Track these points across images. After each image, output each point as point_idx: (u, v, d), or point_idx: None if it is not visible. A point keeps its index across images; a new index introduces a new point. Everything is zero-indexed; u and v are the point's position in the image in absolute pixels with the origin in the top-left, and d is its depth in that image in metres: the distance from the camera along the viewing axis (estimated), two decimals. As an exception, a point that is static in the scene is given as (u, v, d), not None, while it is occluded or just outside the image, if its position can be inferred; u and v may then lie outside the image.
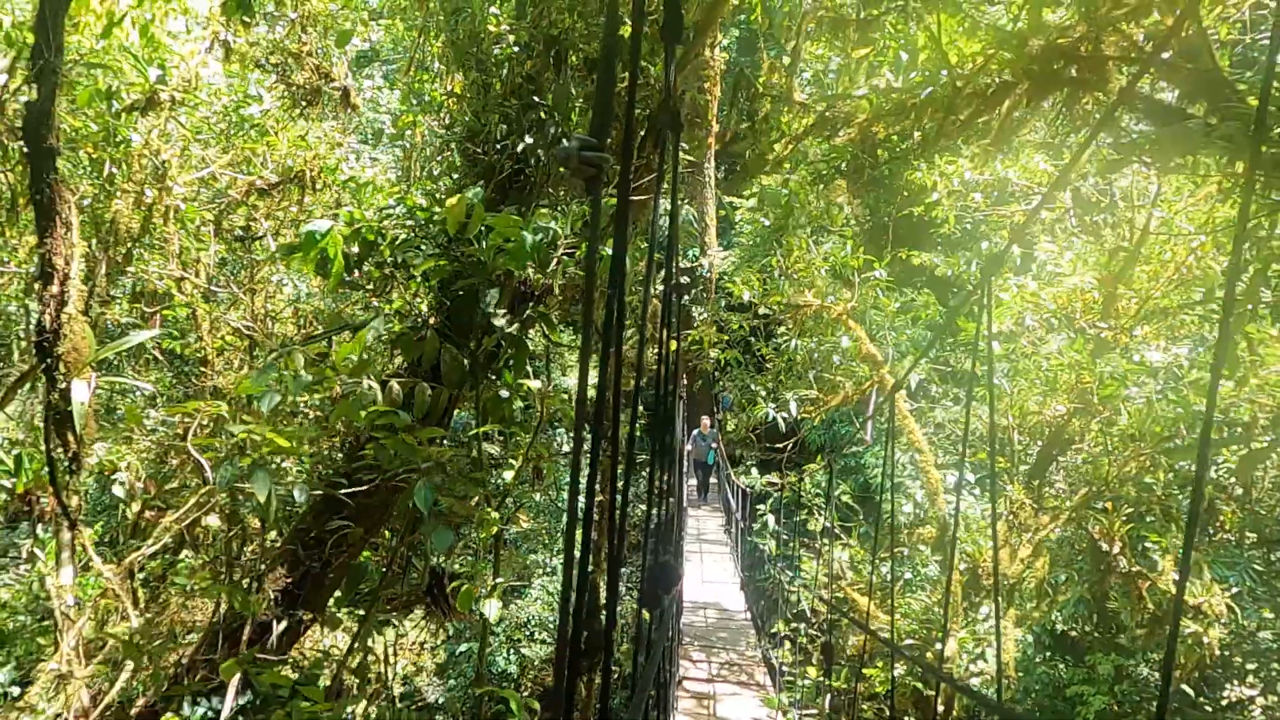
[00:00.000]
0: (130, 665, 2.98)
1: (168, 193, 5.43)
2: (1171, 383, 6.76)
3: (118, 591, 3.64)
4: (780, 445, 13.93)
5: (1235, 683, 8.22)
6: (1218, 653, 6.95)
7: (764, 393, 11.09)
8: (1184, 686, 7.68)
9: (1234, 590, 7.62)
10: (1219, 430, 6.51)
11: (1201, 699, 7.99)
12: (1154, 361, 6.80)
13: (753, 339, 11.59)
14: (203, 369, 6.69)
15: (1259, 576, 8.06)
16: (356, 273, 4.32)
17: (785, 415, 10.98)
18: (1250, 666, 7.92)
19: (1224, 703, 8.11)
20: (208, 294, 6.47)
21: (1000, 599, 7.26)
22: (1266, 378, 5.87)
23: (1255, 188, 2.61)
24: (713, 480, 17.88)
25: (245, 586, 4.20)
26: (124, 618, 3.90)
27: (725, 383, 14.89)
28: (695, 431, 16.62)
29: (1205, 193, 6.54)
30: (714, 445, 16.43)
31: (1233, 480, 7.63)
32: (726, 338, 12.38)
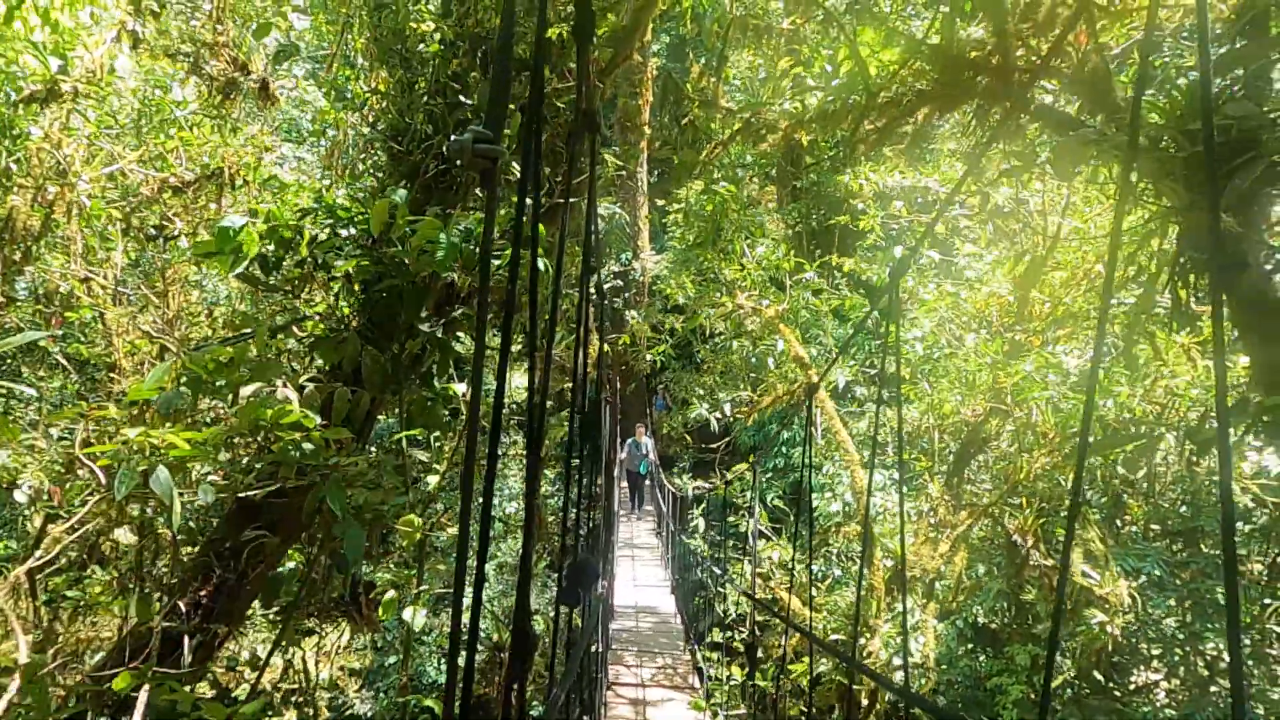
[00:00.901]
0: (13, 687, 2.81)
1: (71, 189, 5.16)
2: (1084, 384, 7.08)
3: (2, 609, 3.44)
4: (714, 446, 14.11)
5: (1142, 668, 8.64)
6: (1122, 640, 7.29)
7: (701, 393, 11.20)
8: (1095, 673, 8.03)
9: (1142, 579, 8.02)
10: (1125, 429, 6.83)
11: (1111, 684, 8.36)
12: (1069, 367, 7.09)
13: (691, 340, 11.68)
14: (111, 374, 6.38)
15: (1166, 567, 8.50)
16: (275, 274, 4.19)
17: (719, 416, 11.11)
18: (1155, 652, 8.33)
19: (1131, 687, 8.51)
20: (117, 296, 6.18)
21: (920, 593, 7.48)
22: (1173, 385, 6.18)
23: (1140, 194, 2.76)
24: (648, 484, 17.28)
25: (153, 600, 4.03)
26: (10, 635, 3.67)
27: (662, 384, 14.97)
28: (630, 440, 15.75)
29: (1112, 202, 6.87)
30: (647, 455, 15.63)
31: (1139, 475, 8.03)
32: (662, 336, 12.46)
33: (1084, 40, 3.22)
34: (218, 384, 3.06)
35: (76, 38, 5.40)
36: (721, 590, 10.65)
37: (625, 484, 16.66)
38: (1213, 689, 8.13)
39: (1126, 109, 2.96)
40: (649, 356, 13.17)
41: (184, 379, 3.09)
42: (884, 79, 4.24)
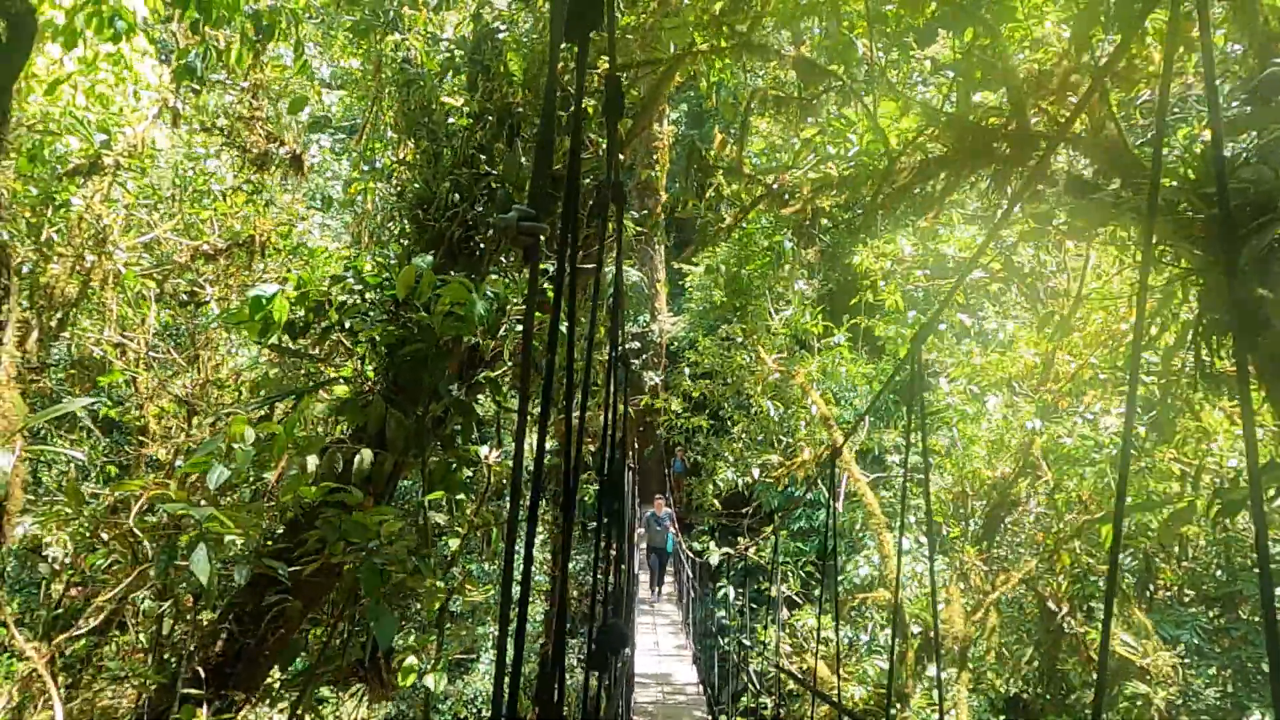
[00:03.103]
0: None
1: (108, 257, 5.34)
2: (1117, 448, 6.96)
3: (42, 674, 3.43)
4: (741, 511, 13.86)
5: (1184, 742, 8.27)
6: (1167, 714, 7.02)
7: (730, 459, 11.11)
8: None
9: (1180, 648, 7.75)
10: (1160, 494, 6.70)
11: (1153, 760, 8.00)
12: (1107, 425, 6.99)
13: (722, 405, 11.59)
14: (141, 438, 6.47)
15: (1205, 634, 8.22)
16: (303, 339, 4.28)
17: (749, 480, 10.99)
18: (1197, 725, 8.00)
19: (1175, 762, 8.14)
20: (148, 361, 6.31)
21: (953, 662, 7.26)
22: (1207, 447, 6.07)
23: (1158, 255, 2.78)
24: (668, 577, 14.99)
25: (174, 667, 4.00)
26: (46, 705, 3.65)
27: (690, 449, 14.73)
28: (649, 513, 13.91)
29: (1131, 264, 6.87)
30: (671, 528, 13.68)
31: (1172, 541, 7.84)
32: (684, 405, 12.41)
33: (1098, 106, 3.30)
34: (255, 456, 3.10)
35: (120, 114, 5.65)
36: (747, 658, 10.39)
37: (646, 560, 14.60)
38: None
39: (1142, 172, 3.01)
40: (680, 425, 13.00)
41: (230, 453, 3.13)
42: (903, 147, 4.33)
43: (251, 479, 4.52)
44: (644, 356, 17.07)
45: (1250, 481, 1.20)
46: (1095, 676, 6.99)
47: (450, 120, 5.07)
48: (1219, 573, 8.18)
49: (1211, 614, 8.24)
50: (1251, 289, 2.52)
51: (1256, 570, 7.54)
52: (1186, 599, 8.31)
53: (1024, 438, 7.09)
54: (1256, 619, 8.03)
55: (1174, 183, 2.79)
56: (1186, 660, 7.73)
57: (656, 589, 14.70)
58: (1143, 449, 6.12)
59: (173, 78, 5.31)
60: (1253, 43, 3.08)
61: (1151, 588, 8.12)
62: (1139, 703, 7.09)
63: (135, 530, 3.19)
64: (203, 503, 3.14)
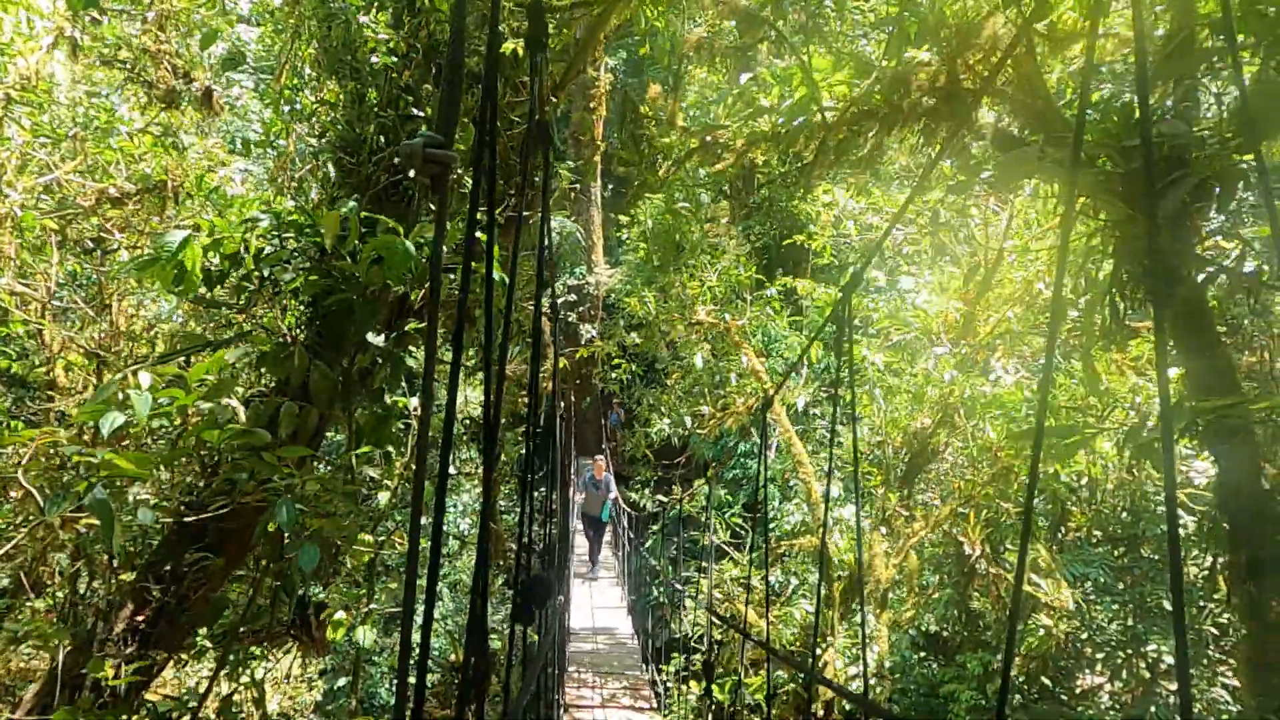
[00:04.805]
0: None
1: (3, 199, 4.98)
2: (1031, 399, 7.28)
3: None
4: (674, 462, 14.06)
5: (1086, 672, 8.83)
6: (1067, 645, 7.47)
7: (664, 409, 11.20)
8: (1042, 678, 8.19)
9: (1089, 585, 8.22)
10: (1063, 433, 7.03)
11: (1058, 689, 8.53)
12: (1008, 383, 7.28)
13: (655, 357, 11.61)
14: (50, 392, 6.14)
15: (1111, 573, 8.72)
16: (219, 288, 4.08)
17: (682, 430, 11.13)
18: (1099, 656, 8.52)
19: (1077, 691, 8.70)
20: (54, 311, 5.95)
21: (874, 604, 7.57)
22: (1111, 391, 6.40)
23: (1081, 209, 2.86)
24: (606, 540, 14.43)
25: (89, 629, 3.86)
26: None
27: (618, 398, 14.80)
28: (588, 475, 12.90)
29: (1055, 221, 7.11)
30: (612, 496, 12.73)
31: (1081, 484, 8.26)
32: (625, 356, 12.43)
33: (1025, 63, 3.34)
34: (163, 402, 2.95)
35: (10, 44, 5.22)
36: (680, 607, 10.62)
37: (581, 527, 13.70)
38: (1156, 690, 8.35)
39: (1066, 129, 3.07)
40: (614, 375, 13.00)
41: (136, 398, 2.97)
42: (835, 101, 4.33)
43: (169, 430, 4.34)
44: (581, 309, 16.95)
45: (1163, 427, 1.23)
46: (1007, 613, 7.39)
47: (374, 59, 4.83)
48: (1124, 514, 8.65)
49: (1116, 553, 8.73)
50: (1167, 242, 2.60)
51: (1160, 511, 8.02)
52: (1095, 540, 8.79)
53: (943, 390, 7.34)
54: (1156, 557, 8.55)
55: (1095, 137, 2.85)
56: (1093, 596, 8.20)
57: (595, 562, 13.96)
58: (1052, 404, 6.40)
59: (68, 4, 4.91)
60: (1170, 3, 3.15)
61: (1062, 530, 8.56)
62: (1042, 634, 7.55)
63: (23, 481, 3.02)
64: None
